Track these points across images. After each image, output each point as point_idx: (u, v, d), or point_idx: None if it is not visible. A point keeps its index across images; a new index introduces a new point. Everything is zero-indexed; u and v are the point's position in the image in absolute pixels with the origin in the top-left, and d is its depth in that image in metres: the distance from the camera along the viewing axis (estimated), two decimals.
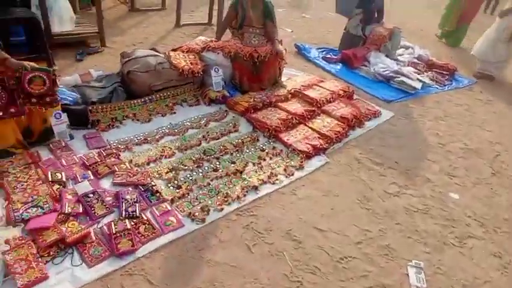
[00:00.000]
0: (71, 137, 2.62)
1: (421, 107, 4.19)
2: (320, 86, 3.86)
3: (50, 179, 2.18)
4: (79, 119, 2.72)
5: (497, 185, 2.98)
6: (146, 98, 3.15)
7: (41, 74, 2.33)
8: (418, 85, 4.56)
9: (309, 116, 3.32)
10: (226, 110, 3.35)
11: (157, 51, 3.47)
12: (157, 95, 3.22)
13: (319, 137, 3.06)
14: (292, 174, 2.66)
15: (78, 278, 1.71)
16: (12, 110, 2.27)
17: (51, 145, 2.51)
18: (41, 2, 3.65)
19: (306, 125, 3.22)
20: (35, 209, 1.96)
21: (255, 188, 2.44)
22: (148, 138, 2.78)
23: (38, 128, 2.50)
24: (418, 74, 5.04)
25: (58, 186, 2.16)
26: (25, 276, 1.65)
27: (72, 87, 2.91)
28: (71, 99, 2.76)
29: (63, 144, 2.54)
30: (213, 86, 3.46)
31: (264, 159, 2.77)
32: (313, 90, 3.76)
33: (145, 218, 2.06)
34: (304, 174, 2.69)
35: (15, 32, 3.57)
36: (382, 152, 3.14)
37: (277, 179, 2.56)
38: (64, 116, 2.55)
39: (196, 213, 2.16)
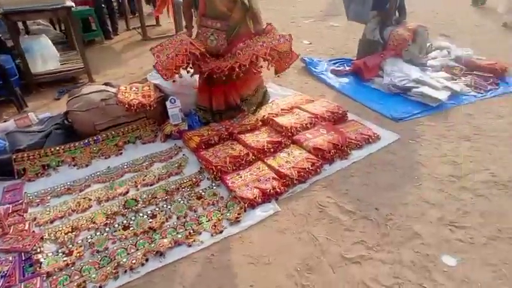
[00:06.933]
0: None
1: (443, 123, 3.28)
2: (302, 109, 3.23)
3: None
4: (2, 169, 2.54)
5: None
6: (90, 139, 2.89)
7: None
8: (444, 95, 3.63)
9: (272, 150, 2.73)
10: (179, 147, 2.93)
11: (111, 86, 3.22)
12: (104, 135, 2.94)
13: (274, 178, 2.46)
14: (221, 232, 2.11)
15: None
16: None
17: None
18: (15, 45, 3.68)
19: (263, 161, 2.63)
20: None
21: (160, 254, 1.95)
22: (72, 188, 2.48)
23: None
24: (452, 80, 4.08)
25: None
26: None
27: (4, 134, 2.77)
28: None
29: None
30: (170, 119, 3.09)
31: (195, 211, 2.27)
32: (291, 115, 3.15)
33: None
34: (236, 231, 2.13)
35: None
36: (362, 195, 2.41)
37: (194, 240, 2.04)
38: None
39: None
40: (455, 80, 4.10)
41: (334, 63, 4.69)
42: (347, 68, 4.44)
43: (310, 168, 2.54)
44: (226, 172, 2.53)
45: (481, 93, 3.86)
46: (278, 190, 2.36)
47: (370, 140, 2.93)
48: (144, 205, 2.31)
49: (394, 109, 3.49)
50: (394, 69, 4.07)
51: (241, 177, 2.49)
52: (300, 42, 5.61)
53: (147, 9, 7.70)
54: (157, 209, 2.28)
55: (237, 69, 2.78)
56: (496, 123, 3.28)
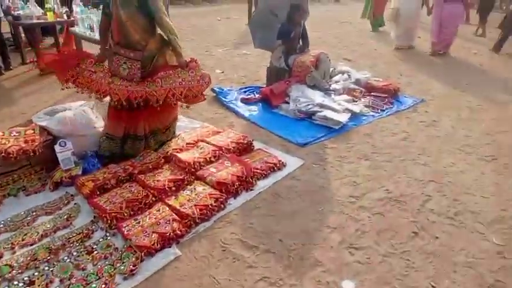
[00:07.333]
0: None
1: (344, 145, 3.45)
2: (207, 142, 3.15)
3: None
4: None
5: (418, 251, 2.17)
6: None
7: None
8: (344, 118, 3.84)
9: (174, 189, 2.59)
10: (72, 195, 2.64)
11: None
12: None
13: (174, 219, 2.31)
14: None
15: None
16: None
17: None
18: None
19: (164, 202, 2.48)
20: None
21: None
22: None
23: None
24: (353, 102, 4.37)
25: None
26: None
27: None
28: None
29: None
30: (61, 165, 2.79)
31: (84, 269, 2.02)
32: (195, 149, 3.05)
33: None
34: (131, 286, 1.92)
35: None
36: (265, 227, 2.36)
37: None
38: None
39: None
40: (356, 101, 4.41)
41: (245, 92, 4.76)
42: (256, 96, 4.52)
43: (214, 204, 2.45)
44: (122, 219, 2.32)
45: (378, 113, 4.18)
46: (179, 232, 2.22)
47: (276, 168, 2.95)
48: (20, 271, 1.98)
49: (300, 134, 3.60)
50: (299, 95, 4.24)
51: (138, 222, 2.30)
52: (213, 72, 5.63)
53: (50, 40, 7.18)
54: (36, 273, 1.97)
55: (152, 102, 2.73)
56: (390, 140, 3.55)
